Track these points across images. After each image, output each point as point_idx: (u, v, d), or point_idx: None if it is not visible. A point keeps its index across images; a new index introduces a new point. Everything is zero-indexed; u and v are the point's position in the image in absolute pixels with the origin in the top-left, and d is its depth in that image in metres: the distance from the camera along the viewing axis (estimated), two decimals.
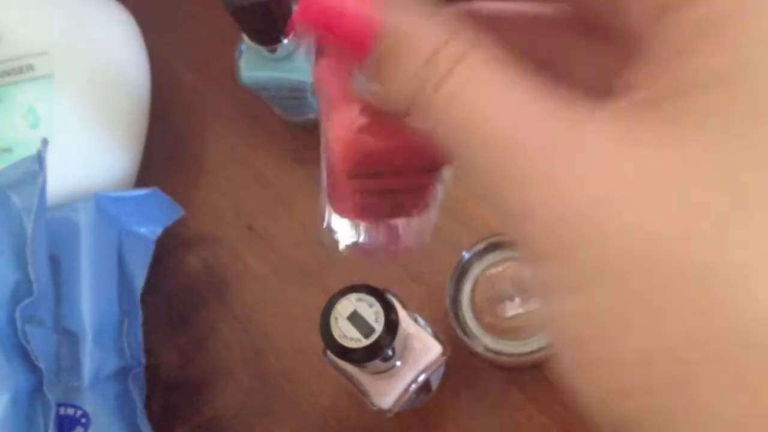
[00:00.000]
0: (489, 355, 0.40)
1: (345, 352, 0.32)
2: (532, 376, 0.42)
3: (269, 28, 0.40)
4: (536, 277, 0.15)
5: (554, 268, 0.15)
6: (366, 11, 0.16)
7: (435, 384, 0.41)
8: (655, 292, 0.14)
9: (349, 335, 0.32)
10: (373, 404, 0.36)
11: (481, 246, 0.42)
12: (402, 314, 0.35)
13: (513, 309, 0.41)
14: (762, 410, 0.13)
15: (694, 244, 0.13)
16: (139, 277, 0.44)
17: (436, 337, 0.37)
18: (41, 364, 0.37)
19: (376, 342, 0.32)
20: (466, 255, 0.42)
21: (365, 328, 0.32)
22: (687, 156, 0.14)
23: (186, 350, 0.47)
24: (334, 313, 0.33)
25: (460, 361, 0.42)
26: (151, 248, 0.45)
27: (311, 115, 0.47)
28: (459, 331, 0.41)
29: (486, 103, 0.15)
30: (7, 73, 0.42)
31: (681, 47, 0.14)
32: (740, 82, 0.14)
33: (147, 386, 0.44)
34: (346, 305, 0.33)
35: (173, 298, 0.48)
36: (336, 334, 0.32)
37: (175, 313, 0.47)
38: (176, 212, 0.46)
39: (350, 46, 0.17)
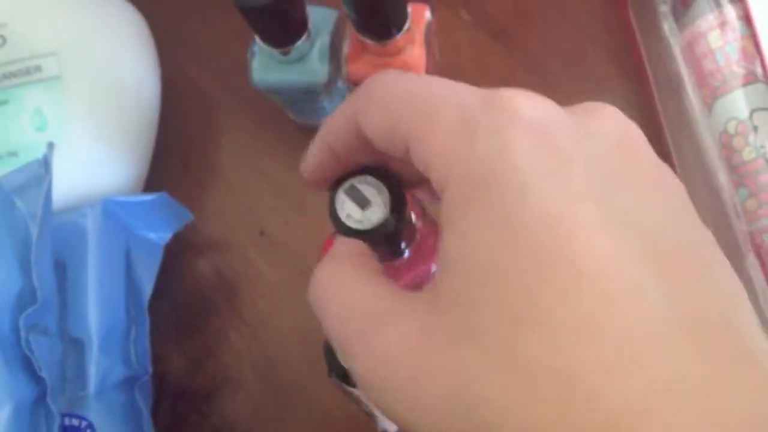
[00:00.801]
0: None
1: (350, 378, 0.31)
2: None
3: (282, 30, 0.39)
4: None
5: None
6: None
7: None
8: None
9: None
10: (379, 428, 0.35)
11: None
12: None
13: None
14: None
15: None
16: (148, 283, 0.43)
17: None
18: (45, 375, 0.36)
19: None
20: None
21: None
22: (428, 326, 0.19)
23: (195, 358, 0.46)
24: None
25: None
26: (160, 254, 0.44)
27: (324, 119, 0.46)
28: None
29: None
30: (14, 75, 0.41)
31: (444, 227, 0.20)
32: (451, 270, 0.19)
33: (154, 394, 0.43)
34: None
35: (182, 304, 0.47)
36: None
37: (183, 320, 0.47)
38: (186, 217, 0.45)
39: None
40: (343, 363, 0.22)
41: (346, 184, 0.34)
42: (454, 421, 0.18)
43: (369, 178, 0.35)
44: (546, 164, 0.18)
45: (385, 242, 0.35)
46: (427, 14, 0.42)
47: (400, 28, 0.39)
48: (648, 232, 0.17)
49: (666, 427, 0.15)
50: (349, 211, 0.34)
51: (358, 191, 0.34)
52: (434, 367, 0.18)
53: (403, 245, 0.37)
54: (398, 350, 0.19)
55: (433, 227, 0.38)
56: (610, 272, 0.16)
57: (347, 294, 0.22)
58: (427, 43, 0.41)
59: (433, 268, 0.38)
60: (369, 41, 0.39)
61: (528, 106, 0.18)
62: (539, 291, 0.17)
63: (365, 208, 0.34)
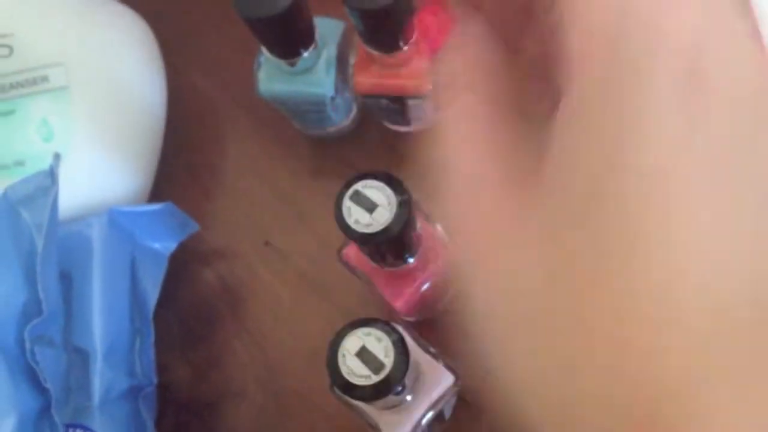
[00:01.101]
0: None
1: (354, 390, 0.31)
2: None
3: (288, 42, 0.39)
4: None
5: None
6: None
7: (448, 413, 0.40)
8: None
9: (357, 372, 0.31)
10: None
11: None
12: (412, 344, 0.34)
13: None
14: None
15: None
16: (152, 293, 0.43)
17: (448, 366, 0.36)
18: (50, 386, 0.36)
19: (386, 379, 0.31)
20: None
21: (374, 365, 0.31)
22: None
23: (199, 367, 0.46)
24: (342, 350, 0.31)
25: (474, 385, 0.41)
26: (165, 264, 0.44)
27: (330, 129, 0.46)
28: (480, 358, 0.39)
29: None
30: (21, 85, 0.42)
31: None
32: None
33: (158, 404, 0.43)
34: (354, 341, 0.31)
35: (187, 313, 0.47)
36: (344, 371, 0.31)
37: (188, 329, 0.47)
38: (191, 227, 0.45)
39: None
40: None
41: (350, 191, 0.34)
42: None
43: (372, 182, 0.35)
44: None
45: (393, 245, 0.35)
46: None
47: (407, 40, 0.39)
48: None
49: None
50: (356, 216, 0.34)
51: (364, 196, 0.34)
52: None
53: (408, 251, 0.37)
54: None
55: (434, 236, 0.38)
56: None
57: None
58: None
59: (431, 279, 0.38)
60: (376, 52, 0.39)
61: None
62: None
63: (372, 211, 0.34)
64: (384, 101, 0.42)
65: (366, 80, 0.41)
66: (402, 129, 0.47)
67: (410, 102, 0.42)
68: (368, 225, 0.33)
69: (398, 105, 0.43)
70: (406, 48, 0.39)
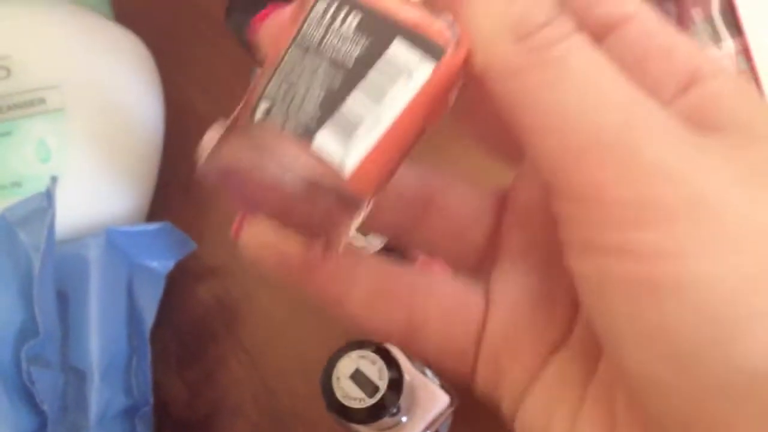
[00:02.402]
0: None
1: (348, 413, 0.31)
2: None
3: None
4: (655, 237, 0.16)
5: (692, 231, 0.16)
6: None
7: None
8: None
9: (352, 395, 0.31)
10: None
11: None
12: (406, 365, 0.34)
13: None
14: None
15: None
16: (149, 312, 0.43)
17: (443, 386, 0.36)
18: (46, 407, 0.36)
19: (381, 401, 0.31)
20: None
21: (369, 387, 0.31)
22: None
23: (195, 386, 0.46)
24: (336, 373, 0.32)
25: (469, 404, 0.41)
26: (162, 283, 0.44)
27: None
28: None
29: (602, 76, 0.16)
30: (18, 106, 0.42)
31: None
32: None
33: (155, 423, 0.44)
34: (348, 364, 0.32)
35: (183, 332, 0.47)
36: (339, 394, 0.31)
37: (184, 348, 0.47)
38: (189, 246, 0.45)
39: None
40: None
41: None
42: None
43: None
44: None
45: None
46: None
47: None
48: None
49: None
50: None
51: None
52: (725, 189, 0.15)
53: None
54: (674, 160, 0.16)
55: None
56: None
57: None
58: None
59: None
60: None
61: None
62: None
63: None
64: None
65: None
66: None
67: None
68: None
69: None
70: None
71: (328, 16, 0.17)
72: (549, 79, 0.16)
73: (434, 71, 0.16)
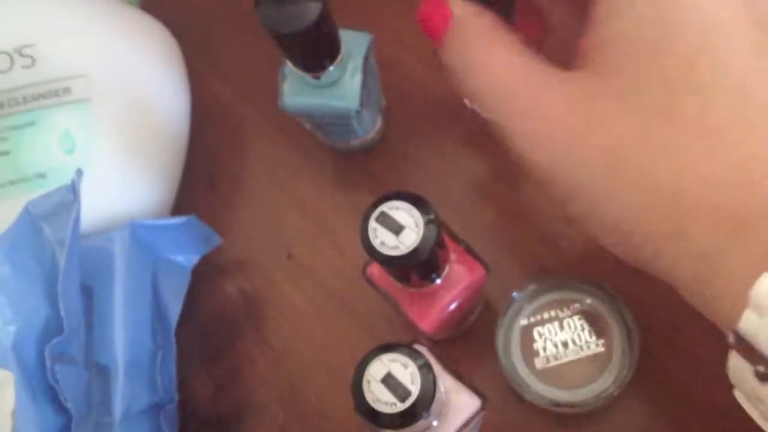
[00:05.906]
0: (540, 402, 0.38)
1: (379, 418, 0.30)
2: (580, 424, 0.40)
3: (313, 56, 0.38)
4: None
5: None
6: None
7: None
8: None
9: (383, 399, 0.30)
10: None
11: (533, 286, 0.40)
12: (438, 368, 0.33)
13: (567, 355, 0.39)
14: None
15: None
16: (175, 308, 0.42)
17: (474, 389, 0.35)
18: (70, 405, 0.35)
19: (413, 406, 0.30)
20: (516, 296, 0.40)
21: (401, 391, 0.30)
22: (592, 89, 0.22)
23: (220, 383, 0.45)
24: (367, 376, 0.30)
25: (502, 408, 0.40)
26: (188, 278, 0.43)
27: (354, 142, 0.45)
28: (508, 378, 0.38)
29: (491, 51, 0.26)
30: (43, 96, 0.41)
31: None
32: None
33: (179, 419, 0.43)
34: (379, 367, 0.30)
35: (208, 327, 0.46)
36: (369, 398, 0.30)
37: (209, 344, 0.46)
38: (214, 241, 0.44)
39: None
40: (498, 128, 0.25)
41: (376, 212, 0.34)
42: (608, 172, 0.21)
43: (399, 203, 0.34)
44: None
45: (420, 266, 0.34)
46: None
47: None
48: None
49: None
50: (382, 238, 0.33)
51: (390, 218, 0.33)
52: (596, 122, 0.21)
53: (434, 272, 0.36)
54: (563, 107, 0.22)
55: (462, 254, 0.38)
56: (761, 52, 0.20)
57: (502, 63, 0.25)
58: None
59: (458, 298, 0.37)
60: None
61: None
62: (697, 61, 0.20)
63: (399, 233, 0.33)
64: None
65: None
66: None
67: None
68: (395, 247, 0.33)
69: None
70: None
71: None
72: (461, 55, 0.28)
73: None
